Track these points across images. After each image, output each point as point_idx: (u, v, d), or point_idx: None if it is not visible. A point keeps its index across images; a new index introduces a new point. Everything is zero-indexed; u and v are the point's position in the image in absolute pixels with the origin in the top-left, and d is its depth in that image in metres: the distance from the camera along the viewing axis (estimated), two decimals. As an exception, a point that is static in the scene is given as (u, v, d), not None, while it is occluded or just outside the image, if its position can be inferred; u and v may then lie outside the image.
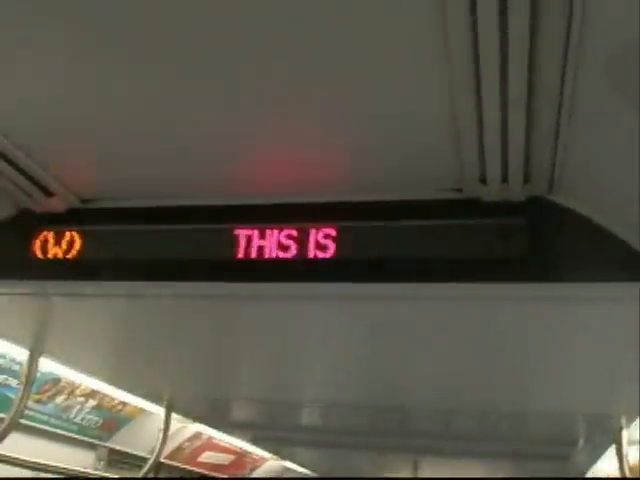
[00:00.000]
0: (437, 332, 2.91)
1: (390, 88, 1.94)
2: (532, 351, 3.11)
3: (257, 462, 8.49)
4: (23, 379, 3.62)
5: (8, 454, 3.82)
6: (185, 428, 6.32)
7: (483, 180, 2.26)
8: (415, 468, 7.34)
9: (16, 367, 4.38)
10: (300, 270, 2.43)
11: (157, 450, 4.94)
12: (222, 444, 7.24)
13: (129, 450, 6.12)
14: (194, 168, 2.48)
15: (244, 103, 2.08)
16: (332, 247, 2.43)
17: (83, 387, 4.92)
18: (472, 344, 3.07)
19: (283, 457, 7.88)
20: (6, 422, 3.53)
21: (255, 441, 6.77)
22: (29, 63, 1.98)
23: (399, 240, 2.39)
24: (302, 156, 2.34)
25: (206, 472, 7.76)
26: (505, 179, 2.22)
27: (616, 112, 1.81)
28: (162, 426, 5.01)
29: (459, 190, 2.37)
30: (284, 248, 2.46)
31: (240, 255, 2.49)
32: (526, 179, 2.23)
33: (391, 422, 5.59)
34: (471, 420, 5.17)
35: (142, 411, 5.72)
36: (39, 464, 4.04)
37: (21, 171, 2.48)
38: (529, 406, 4.27)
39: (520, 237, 2.29)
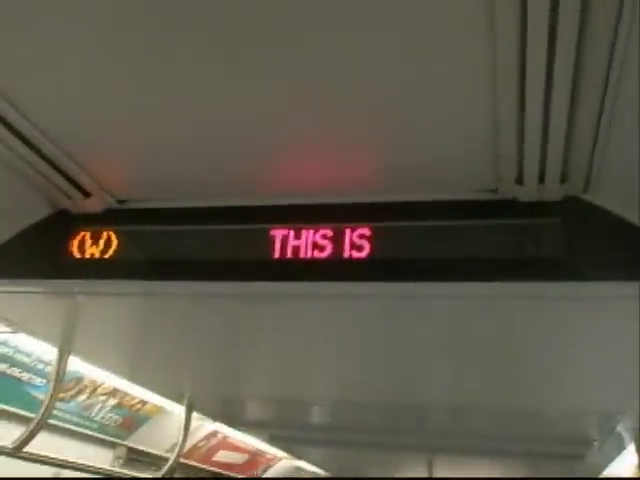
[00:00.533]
0: (457, 331, 2.93)
1: (429, 86, 1.96)
2: (552, 350, 3.12)
3: (270, 461, 8.53)
4: (53, 377, 3.64)
5: (32, 451, 3.85)
6: (201, 427, 6.35)
7: (519, 180, 2.29)
8: (430, 467, 7.36)
9: (41, 366, 4.43)
10: (335, 270, 2.47)
11: (178, 449, 4.97)
12: (237, 443, 7.27)
13: (147, 449, 6.16)
14: (229, 169, 2.51)
15: (277, 104, 2.11)
16: (367, 247, 2.46)
17: (105, 385, 4.96)
18: (491, 343, 3.09)
19: (297, 456, 7.90)
20: (35, 421, 3.56)
21: (271, 440, 6.79)
22: (73, 65, 2.02)
23: (433, 240, 2.42)
24: (335, 156, 2.37)
25: (220, 471, 7.80)
26: (542, 179, 2.25)
27: None
28: (182, 425, 5.03)
29: (494, 191, 2.40)
30: (320, 248, 2.49)
31: (276, 255, 2.53)
32: (563, 179, 2.26)
33: (405, 421, 5.61)
34: (486, 419, 5.18)
35: (160, 410, 5.77)
36: (64, 462, 4.06)
37: (61, 172, 2.52)
38: (545, 405, 4.28)
39: (556, 237, 2.32)
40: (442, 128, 2.16)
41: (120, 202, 2.75)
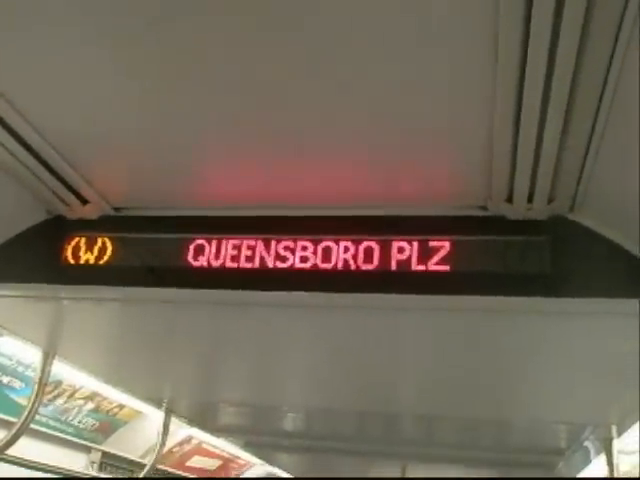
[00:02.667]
0: (434, 343, 3.02)
1: (426, 104, 2.03)
2: (528, 363, 3.22)
3: (243, 467, 8.52)
4: (36, 380, 3.64)
5: (12, 454, 3.83)
6: (176, 432, 6.34)
7: (509, 199, 2.39)
8: (403, 475, 7.43)
9: (21, 369, 4.40)
10: (316, 281, 2.53)
11: (156, 453, 4.97)
12: (211, 449, 7.27)
13: (122, 453, 6.12)
14: (224, 180, 2.57)
15: (276, 120, 2.18)
16: (357, 260, 2.53)
17: (83, 390, 4.94)
18: (468, 355, 3.17)
19: (270, 462, 7.92)
20: (19, 424, 3.55)
21: (245, 446, 6.81)
22: (73, 74, 2.05)
23: (423, 254, 2.50)
24: (329, 171, 2.44)
25: (193, 476, 7.77)
26: (530, 199, 2.35)
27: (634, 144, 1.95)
28: (159, 429, 5.03)
29: (484, 208, 2.50)
30: (304, 259, 2.56)
31: (269, 265, 2.59)
32: (550, 199, 2.36)
33: (379, 428, 5.69)
34: (458, 428, 5.27)
35: (137, 414, 5.74)
36: (43, 465, 4.05)
37: (60, 178, 2.55)
38: (518, 415, 4.38)
39: (542, 254, 2.42)
40: (437, 146, 2.24)
41: (116, 209, 2.78)
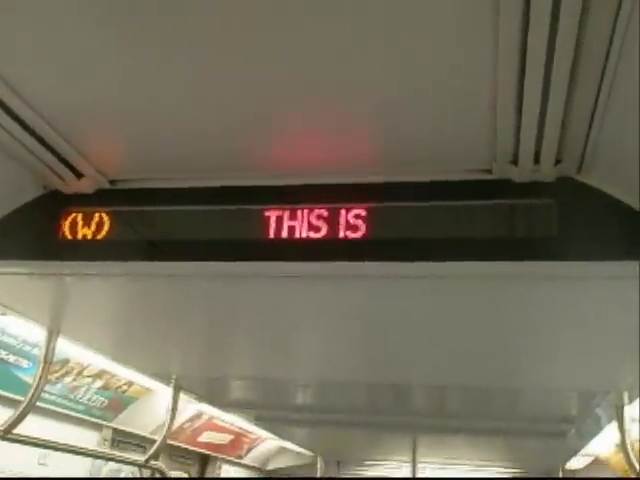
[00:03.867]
0: (446, 310, 2.96)
1: (428, 67, 1.97)
2: (537, 329, 3.17)
3: (255, 442, 8.59)
4: (41, 358, 3.62)
5: (20, 433, 3.83)
6: (186, 408, 6.37)
7: (514, 161, 2.31)
8: (413, 445, 7.46)
9: (27, 348, 4.40)
10: (330, 250, 2.48)
11: (166, 429, 4.97)
12: (221, 424, 7.31)
13: (133, 430, 6.16)
14: (223, 149, 2.50)
15: (274, 84, 2.11)
16: (363, 227, 2.48)
17: (91, 367, 4.94)
18: (477, 322, 3.12)
19: (281, 436, 7.95)
20: (24, 403, 3.53)
21: (256, 420, 6.83)
22: (66, 46, 2.00)
23: (429, 220, 2.44)
24: (331, 137, 2.37)
25: (205, 451, 7.84)
26: (537, 160, 2.28)
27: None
28: (169, 406, 5.03)
29: (488, 171, 2.43)
30: (315, 228, 2.50)
31: (271, 235, 2.53)
32: (557, 160, 2.29)
33: (389, 400, 5.67)
34: (469, 398, 5.26)
35: (146, 391, 5.76)
36: (52, 443, 4.05)
37: (54, 152, 2.49)
38: (529, 383, 4.35)
39: (549, 217, 2.35)
40: (440, 108, 2.16)
41: (112, 182, 2.73)
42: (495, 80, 1.94)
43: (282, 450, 9.20)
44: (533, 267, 2.35)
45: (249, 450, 8.80)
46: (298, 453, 9.04)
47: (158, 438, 5.05)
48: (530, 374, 4.15)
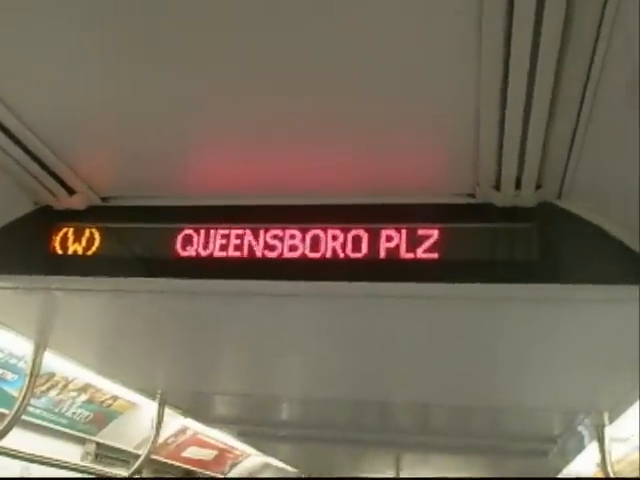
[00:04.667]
0: (427, 330, 3.02)
1: (413, 90, 2.03)
2: (520, 350, 3.23)
3: (239, 457, 8.55)
4: (28, 372, 3.63)
5: (3, 445, 3.83)
6: (171, 423, 6.35)
7: (497, 186, 2.38)
8: (397, 463, 7.48)
9: (13, 361, 4.39)
10: (316, 269, 2.53)
11: (150, 444, 4.98)
12: (206, 439, 7.28)
13: (117, 445, 6.13)
14: (211, 169, 2.56)
15: (264, 109, 2.16)
16: (348, 248, 2.53)
17: (76, 381, 4.93)
18: (461, 342, 3.18)
19: (265, 452, 7.94)
20: (10, 416, 3.54)
21: (239, 436, 6.83)
22: (59, 63, 2.04)
23: (414, 242, 2.50)
24: (317, 159, 2.43)
25: (189, 467, 7.80)
26: (518, 186, 2.35)
27: (630, 127, 1.94)
28: (154, 421, 5.04)
29: (472, 195, 2.49)
30: (293, 248, 2.55)
31: (258, 254, 2.58)
32: (538, 186, 2.36)
33: (373, 417, 5.70)
34: (452, 416, 5.30)
35: (131, 406, 5.75)
36: (35, 457, 4.05)
37: (46, 169, 2.53)
38: (511, 403, 4.39)
39: (531, 241, 2.42)
40: (423, 134, 2.23)
41: (104, 199, 2.77)
42: (478, 109, 2.01)
43: (266, 466, 9.16)
44: (515, 290, 2.42)
45: (233, 466, 8.76)
46: (282, 470, 9.02)
47: (142, 453, 5.04)
48: (513, 393, 4.20)
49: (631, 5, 1.57)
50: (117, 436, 6.07)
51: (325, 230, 2.56)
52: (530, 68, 1.80)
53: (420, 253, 2.48)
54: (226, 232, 2.62)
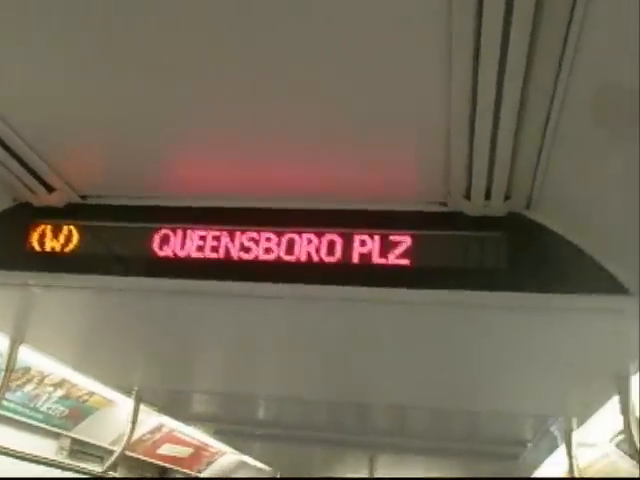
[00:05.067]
0: (401, 334, 3.09)
1: (386, 101, 2.09)
2: (491, 355, 3.31)
3: (214, 455, 8.57)
4: (3, 366, 3.64)
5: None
6: (147, 420, 6.36)
7: (467, 196, 2.45)
8: (372, 464, 7.53)
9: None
10: (292, 272, 2.58)
11: (125, 441, 4.99)
12: (182, 437, 7.30)
13: (92, 440, 6.14)
14: (190, 170, 2.60)
15: (241, 112, 2.21)
16: (323, 252, 2.59)
17: (53, 376, 4.94)
18: (433, 346, 3.25)
19: (241, 451, 7.97)
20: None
21: (216, 434, 6.86)
22: (39, 63, 2.08)
23: (388, 247, 2.56)
24: (294, 165, 2.49)
25: (164, 464, 7.81)
26: (488, 196, 2.42)
27: (596, 141, 2.02)
28: (130, 417, 5.06)
29: (444, 204, 2.56)
30: (267, 251, 2.61)
31: (233, 255, 2.63)
32: (507, 196, 2.43)
33: (349, 418, 5.76)
34: (426, 418, 5.36)
35: (107, 402, 5.76)
36: (8, 450, 4.05)
37: (26, 166, 2.56)
38: (483, 406, 4.47)
39: (500, 250, 2.49)
40: (396, 144, 2.30)
41: (83, 197, 2.80)
42: (449, 121, 2.08)
43: (242, 465, 9.18)
44: (483, 297, 2.49)
45: (209, 464, 8.78)
46: (258, 469, 9.05)
47: (117, 449, 5.06)
48: (484, 397, 4.27)
49: (597, 22, 1.64)
50: (92, 432, 6.08)
51: (300, 234, 2.61)
52: (498, 83, 1.86)
53: (392, 259, 2.55)
54: (203, 233, 2.66)
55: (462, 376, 3.83)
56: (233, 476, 9.32)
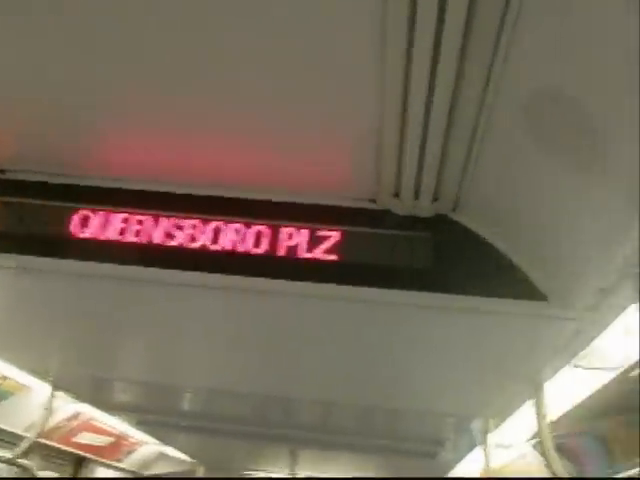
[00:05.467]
0: (326, 329, 3.07)
1: (319, 98, 2.09)
2: (411, 354, 3.34)
3: (135, 445, 8.40)
4: None
5: None
6: (64, 408, 6.18)
7: (397, 195, 2.46)
8: (294, 459, 7.54)
9: None
10: (201, 260, 2.53)
11: (39, 427, 4.82)
12: (100, 425, 7.12)
13: (3, 426, 5.91)
14: (115, 150, 2.51)
15: (170, 97, 2.16)
16: (250, 243, 2.55)
17: (-37, 359, 4.72)
18: (357, 344, 3.26)
19: (163, 441, 7.84)
20: None
21: (138, 424, 6.72)
22: None
23: (315, 241, 2.54)
24: (224, 153, 2.44)
25: (81, 453, 7.61)
26: (417, 196, 2.43)
27: (523, 150, 2.05)
28: (45, 404, 4.88)
29: (373, 201, 2.56)
30: (193, 239, 2.55)
31: (157, 241, 2.56)
32: (435, 198, 2.45)
33: (273, 412, 5.74)
34: (349, 415, 5.40)
35: (22, 387, 5.55)
36: None
37: None
38: (404, 404, 4.52)
39: (426, 250, 2.51)
40: (329, 140, 2.29)
41: (1, 172, 2.67)
42: (381, 121, 2.08)
43: (163, 456, 9.04)
44: (408, 296, 2.50)
45: (129, 453, 8.60)
46: (181, 460, 8.93)
47: (30, 436, 4.88)
48: (406, 395, 4.31)
49: (527, 30, 1.66)
50: (6, 417, 5.85)
51: (227, 223, 2.56)
52: (429, 88, 1.87)
53: (320, 253, 2.53)
54: (125, 216, 2.58)
55: (384, 374, 3.85)
56: (154, 466, 9.18)
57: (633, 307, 2.25)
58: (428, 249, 2.52)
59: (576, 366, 2.92)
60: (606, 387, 3.07)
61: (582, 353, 2.76)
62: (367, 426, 5.59)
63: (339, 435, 5.99)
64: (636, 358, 2.67)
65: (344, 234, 2.54)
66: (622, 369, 2.84)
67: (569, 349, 2.74)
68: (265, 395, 4.85)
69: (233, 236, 2.54)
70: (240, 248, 2.53)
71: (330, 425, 5.85)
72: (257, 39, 1.86)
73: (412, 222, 2.53)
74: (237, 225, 2.56)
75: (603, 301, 2.30)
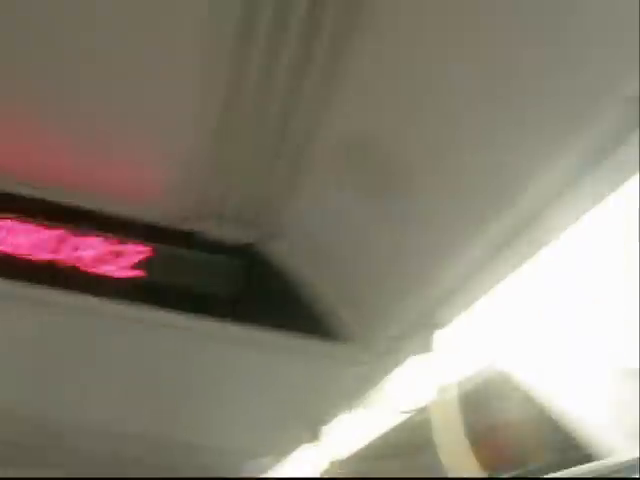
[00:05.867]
0: (108, 349, 2.85)
1: (140, 112, 2.01)
2: (202, 385, 3.20)
3: None
4: None
5: None
6: None
7: (210, 218, 2.37)
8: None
9: None
10: None
11: None
12: None
13: None
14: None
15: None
16: (35, 247, 2.31)
17: None
18: (135, 366, 3.06)
19: None
20: None
21: None
22: None
23: (113, 256, 2.36)
24: (22, 144, 2.21)
25: None
26: (230, 221, 2.37)
27: (340, 190, 2.07)
28: None
29: (186, 221, 2.44)
30: None
31: None
32: (249, 225, 2.40)
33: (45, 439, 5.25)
34: (118, 444, 5.08)
35: None
36: None
37: None
38: (182, 437, 4.34)
39: (235, 278, 2.44)
40: (148, 157, 2.19)
41: None
42: (200, 143, 2.02)
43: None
44: (204, 324, 2.39)
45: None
46: None
47: None
48: (182, 428, 4.13)
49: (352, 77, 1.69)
50: None
51: (19, 222, 2.29)
52: (257, 119, 1.85)
53: (122, 270, 2.36)
54: None
55: (162, 402, 3.66)
56: None
57: (423, 356, 2.34)
58: (235, 277, 2.45)
59: (364, 408, 2.98)
60: (394, 430, 3.16)
61: (370, 396, 2.83)
62: (153, 458, 5.28)
63: (121, 467, 5.60)
64: (422, 404, 2.78)
65: (152, 251, 2.40)
66: (409, 414, 2.95)
67: (358, 392, 2.78)
68: (38, 417, 4.41)
69: (22, 237, 2.28)
70: (23, 251, 2.27)
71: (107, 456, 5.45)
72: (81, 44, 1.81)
73: (221, 248, 2.45)
74: (29, 226, 2.30)
75: (395, 347, 2.37)
